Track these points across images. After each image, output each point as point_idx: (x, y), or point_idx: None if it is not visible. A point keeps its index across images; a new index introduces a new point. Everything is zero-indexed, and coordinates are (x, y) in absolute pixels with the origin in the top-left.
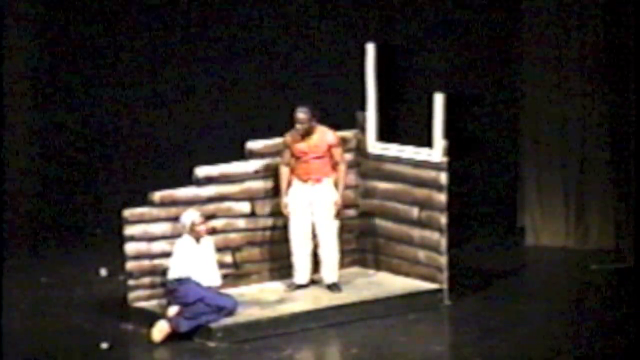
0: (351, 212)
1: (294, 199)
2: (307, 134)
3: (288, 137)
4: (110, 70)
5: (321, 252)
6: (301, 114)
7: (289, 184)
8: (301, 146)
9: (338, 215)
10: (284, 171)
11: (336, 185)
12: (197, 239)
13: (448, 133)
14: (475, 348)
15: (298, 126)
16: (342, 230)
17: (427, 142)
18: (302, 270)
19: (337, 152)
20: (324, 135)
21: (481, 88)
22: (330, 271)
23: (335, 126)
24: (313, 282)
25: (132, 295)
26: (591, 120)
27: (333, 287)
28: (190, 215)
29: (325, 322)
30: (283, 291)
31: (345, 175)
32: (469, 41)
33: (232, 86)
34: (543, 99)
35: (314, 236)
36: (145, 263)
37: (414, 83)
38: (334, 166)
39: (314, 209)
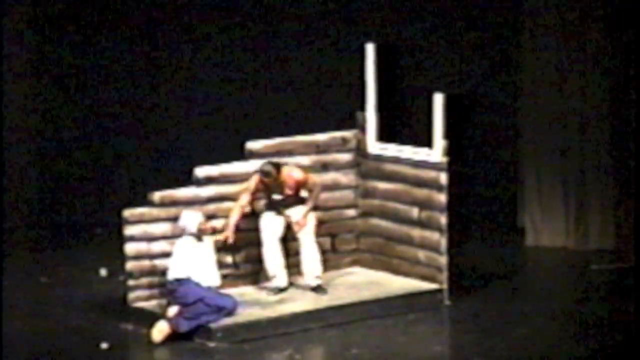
0: (351, 212)
1: (269, 212)
2: (277, 184)
3: (258, 183)
4: (110, 71)
5: (301, 256)
6: (267, 177)
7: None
8: (272, 191)
9: (300, 228)
10: (237, 212)
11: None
12: (200, 239)
13: (448, 133)
14: (475, 348)
15: (268, 182)
16: (342, 230)
17: (427, 142)
18: (280, 274)
19: (307, 186)
20: (291, 175)
21: (481, 88)
22: (310, 276)
23: (335, 126)
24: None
25: (132, 295)
26: (591, 120)
27: (317, 289)
28: (194, 217)
29: (325, 322)
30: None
31: (316, 198)
32: (469, 41)
33: (232, 86)
34: (543, 98)
35: (286, 240)
36: (145, 263)
37: (414, 83)
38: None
39: (291, 217)
